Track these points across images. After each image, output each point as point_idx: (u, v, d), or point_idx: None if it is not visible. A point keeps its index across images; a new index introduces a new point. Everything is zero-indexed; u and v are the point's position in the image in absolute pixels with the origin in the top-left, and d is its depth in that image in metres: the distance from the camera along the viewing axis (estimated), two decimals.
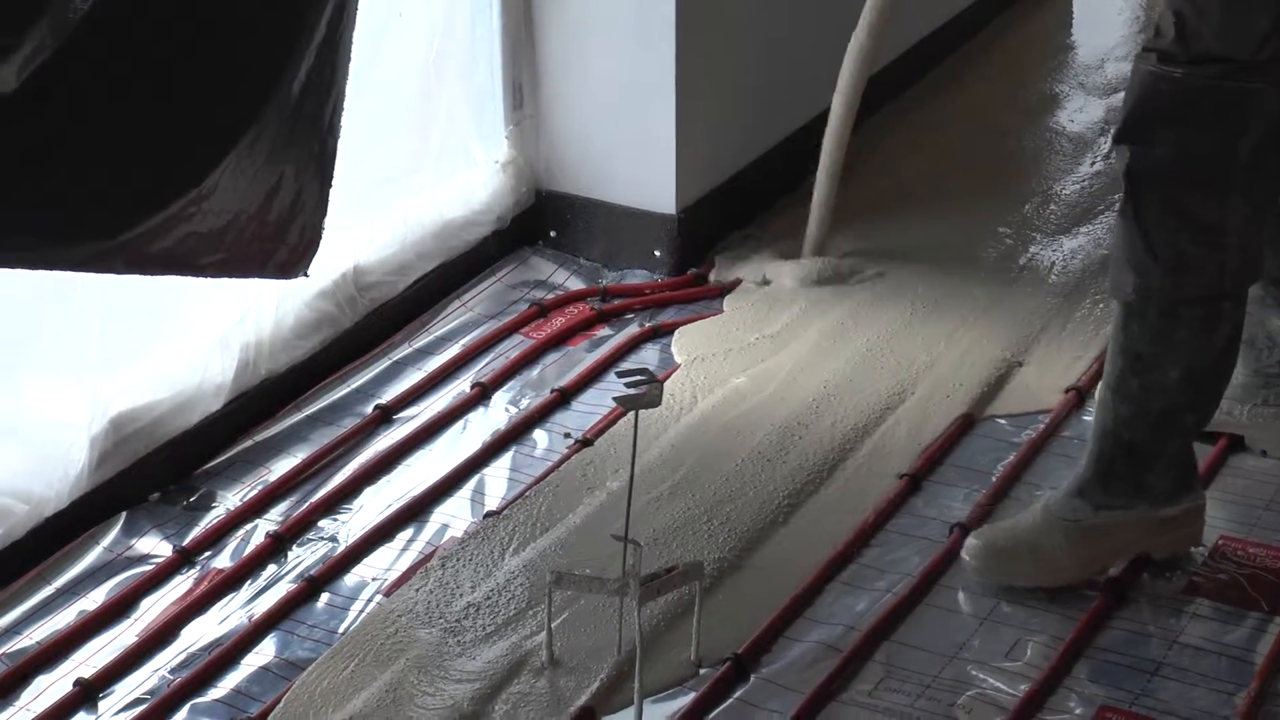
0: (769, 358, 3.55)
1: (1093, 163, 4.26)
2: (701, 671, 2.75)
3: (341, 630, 2.85)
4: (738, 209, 4.02)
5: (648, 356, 3.59)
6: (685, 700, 2.69)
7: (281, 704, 2.68)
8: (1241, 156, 2.62)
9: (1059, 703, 2.67)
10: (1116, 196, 2.72)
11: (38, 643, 2.82)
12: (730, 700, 2.70)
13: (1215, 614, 2.85)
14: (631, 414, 2.70)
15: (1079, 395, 3.37)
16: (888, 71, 4.53)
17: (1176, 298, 2.70)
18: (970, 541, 2.91)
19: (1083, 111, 4.58)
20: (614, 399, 2.69)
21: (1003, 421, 3.34)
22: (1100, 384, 2.87)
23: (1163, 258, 2.67)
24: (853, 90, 3.61)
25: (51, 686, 2.75)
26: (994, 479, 3.15)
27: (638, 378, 2.66)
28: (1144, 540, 2.87)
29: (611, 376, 3.45)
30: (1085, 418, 3.26)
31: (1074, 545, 2.85)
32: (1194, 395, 2.79)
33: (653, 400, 2.65)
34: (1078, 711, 2.66)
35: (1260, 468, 3.15)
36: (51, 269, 2.54)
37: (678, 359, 3.55)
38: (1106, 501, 2.85)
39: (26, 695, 2.73)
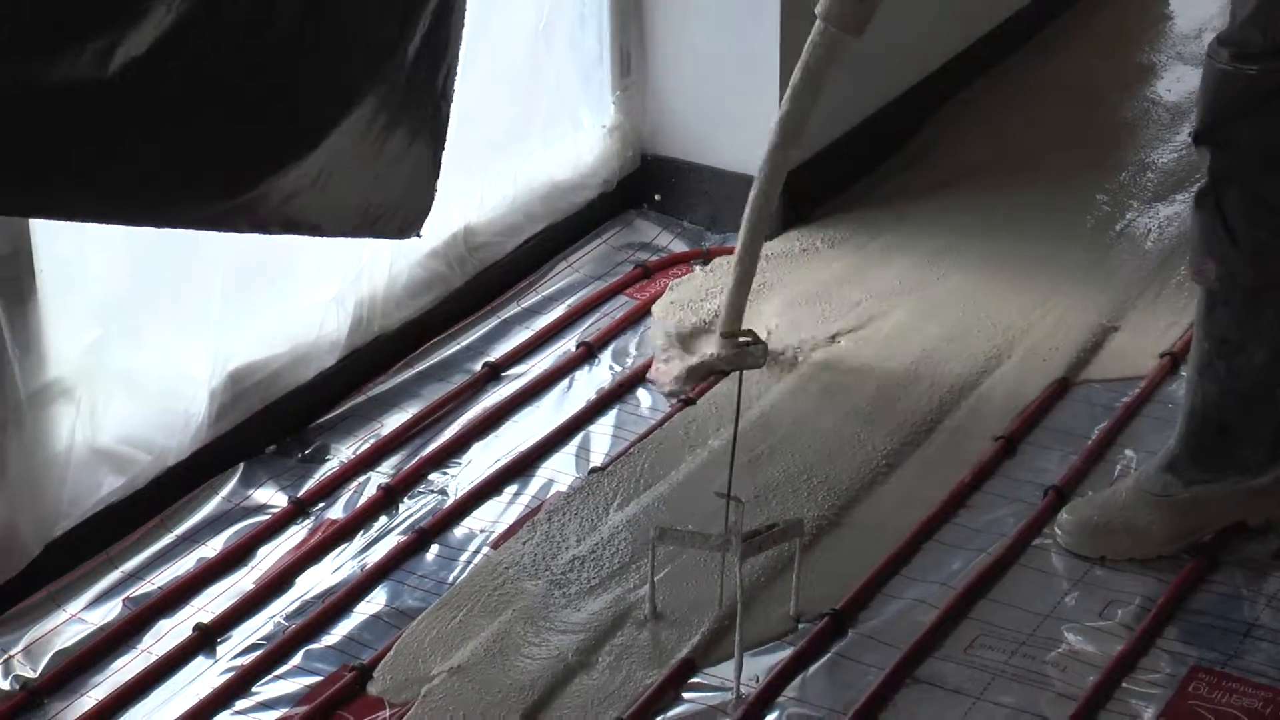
0: (869, 321, 3.54)
1: (1190, 132, 4.23)
2: (800, 626, 2.76)
3: (450, 581, 2.87)
4: (838, 174, 4.02)
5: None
6: (784, 654, 2.71)
7: (392, 651, 2.70)
8: None
9: (1151, 663, 2.67)
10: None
11: (159, 588, 2.86)
12: (828, 655, 2.71)
13: None
14: (734, 374, 2.71)
15: (1174, 360, 3.35)
16: (988, 39, 4.52)
17: (1260, 284, 2.68)
18: (1063, 517, 2.91)
19: (1180, 81, 4.53)
20: (717, 357, 2.70)
21: (1098, 386, 3.33)
22: (1187, 364, 2.86)
23: (1245, 247, 2.66)
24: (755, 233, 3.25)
25: (172, 631, 2.78)
26: (1089, 442, 3.14)
27: (743, 336, 2.67)
28: (1237, 510, 2.86)
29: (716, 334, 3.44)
30: (1180, 383, 3.25)
31: (1167, 520, 2.85)
32: (1277, 374, 2.77)
33: (756, 361, 2.66)
34: (1169, 672, 2.66)
35: None
36: (176, 227, 2.56)
37: (777, 321, 3.55)
38: (1197, 476, 2.83)
39: (148, 639, 2.77)
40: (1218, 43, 2.62)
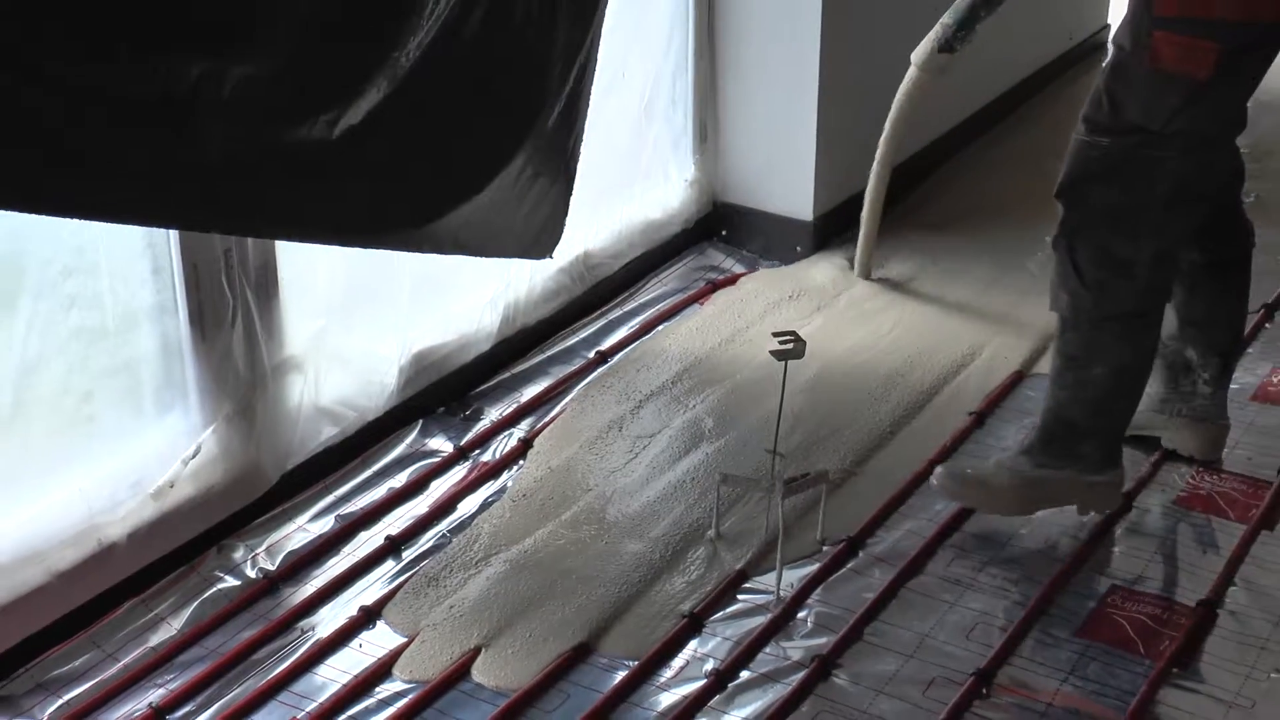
0: (877, 325, 3.53)
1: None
2: (824, 548, 2.76)
3: None
4: (856, 216, 4.00)
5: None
6: (812, 568, 2.71)
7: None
8: (1153, 209, 2.53)
9: (1083, 581, 2.67)
10: None
11: (360, 508, 2.87)
12: (844, 569, 2.72)
13: (1198, 521, 2.84)
14: (782, 362, 2.71)
15: None
16: (975, 117, 4.51)
17: (1099, 313, 2.60)
18: (938, 469, 2.81)
19: None
20: (769, 351, 2.70)
21: (1044, 377, 3.27)
22: (1049, 379, 2.76)
23: (1089, 284, 2.58)
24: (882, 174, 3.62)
25: (368, 540, 2.80)
26: (1036, 418, 3.11)
27: (787, 336, 2.67)
28: (1069, 496, 2.75)
29: (768, 334, 3.44)
30: None
31: (1014, 489, 2.74)
32: (1116, 386, 2.67)
33: (798, 354, 2.66)
34: (1094, 587, 2.66)
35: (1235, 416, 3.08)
36: (378, 248, 2.60)
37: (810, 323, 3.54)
38: (1045, 461, 2.72)
39: (350, 546, 2.78)
40: (1081, 119, 2.56)
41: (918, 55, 3.36)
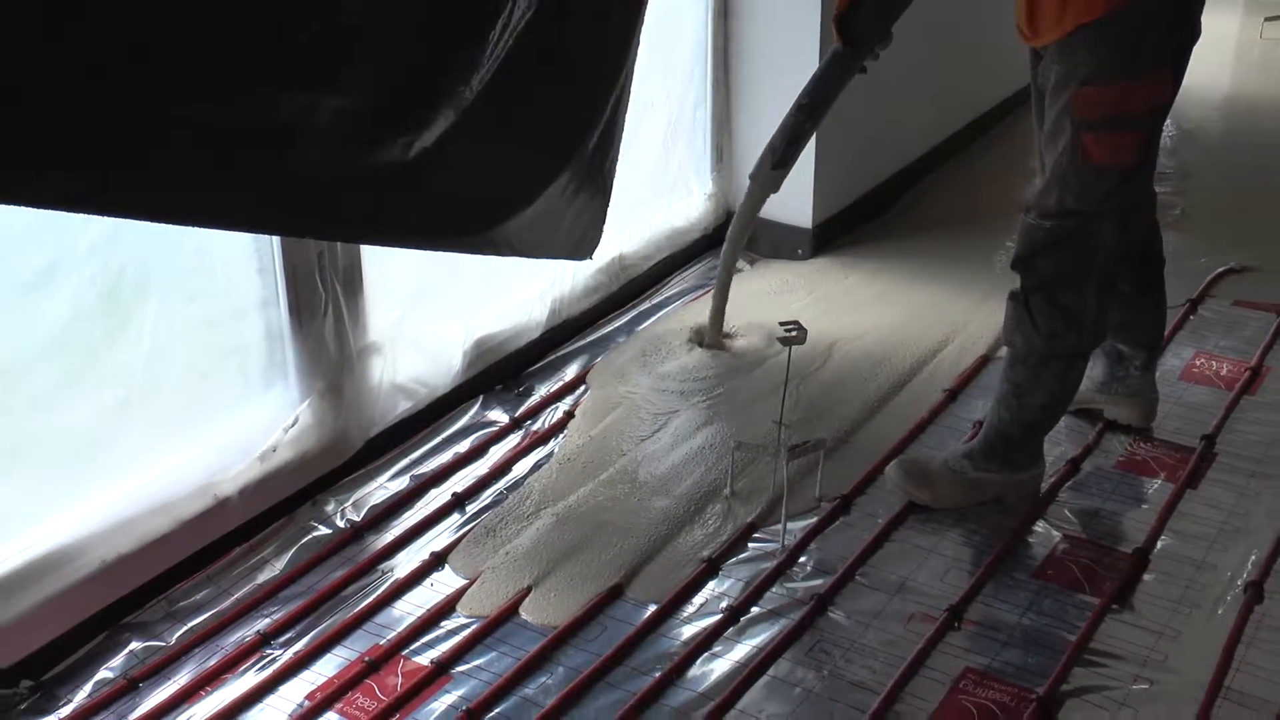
0: (866, 315, 3.54)
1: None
2: (822, 505, 2.78)
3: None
4: (851, 221, 4.03)
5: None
6: (812, 521, 2.73)
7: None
8: (1096, 268, 2.53)
9: (1038, 532, 2.69)
10: None
11: (430, 470, 2.88)
12: (838, 522, 2.73)
13: (1134, 481, 2.85)
14: (787, 348, 2.73)
15: None
16: (948, 140, 4.50)
17: (1048, 353, 2.61)
18: (891, 464, 2.80)
19: None
20: (777, 339, 2.72)
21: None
22: (994, 399, 2.76)
23: (1041, 329, 2.58)
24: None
25: (437, 496, 2.81)
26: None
27: (791, 325, 2.70)
28: (1001, 491, 2.75)
29: (775, 324, 3.45)
30: None
31: (955, 488, 2.74)
32: (1052, 411, 2.69)
33: (801, 341, 2.68)
34: (1048, 535, 2.68)
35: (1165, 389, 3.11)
36: (446, 251, 2.60)
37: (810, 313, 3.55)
38: (984, 466, 2.73)
39: (422, 502, 2.80)
40: (1027, 205, 2.55)
41: (755, 172, 3.15)
